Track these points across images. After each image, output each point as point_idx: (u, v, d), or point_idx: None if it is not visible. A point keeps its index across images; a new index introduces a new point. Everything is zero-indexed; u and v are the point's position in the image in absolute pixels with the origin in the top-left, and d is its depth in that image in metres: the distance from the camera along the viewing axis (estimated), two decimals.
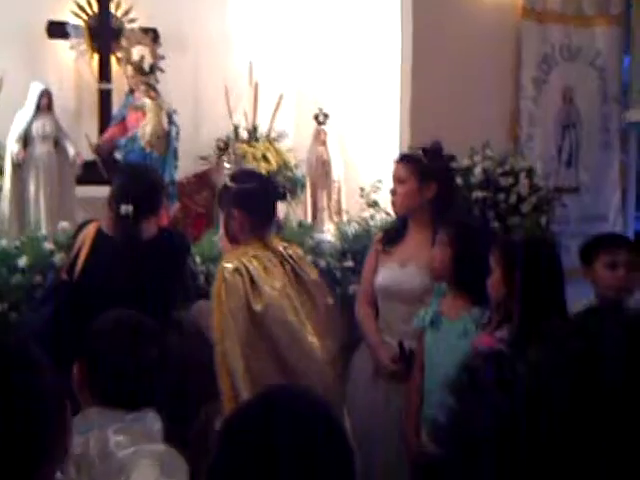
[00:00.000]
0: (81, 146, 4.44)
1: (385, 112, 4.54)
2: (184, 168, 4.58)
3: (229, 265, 2.71)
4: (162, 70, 4.52)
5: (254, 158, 4.58)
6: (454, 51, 4.34)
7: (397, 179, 3.21)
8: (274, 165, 4.62)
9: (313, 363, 2.73)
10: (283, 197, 3.09)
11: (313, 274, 2.89)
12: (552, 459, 0.92)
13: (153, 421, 2.00)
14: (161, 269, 3.04)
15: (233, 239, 2.85)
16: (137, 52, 4.55)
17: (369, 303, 3.26)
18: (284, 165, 4.68)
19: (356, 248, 3.94)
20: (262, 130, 4.85)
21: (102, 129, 4.68)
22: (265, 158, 4.62)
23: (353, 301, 3.36)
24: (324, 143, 4.67)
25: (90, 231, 3.10)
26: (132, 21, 4.76)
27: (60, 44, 4.75)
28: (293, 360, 2.70)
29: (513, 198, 4.02)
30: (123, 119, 4.51)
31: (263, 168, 4.51)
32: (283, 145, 4.85)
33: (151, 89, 4.39)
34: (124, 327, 2.07)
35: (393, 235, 3.29)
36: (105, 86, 4.77)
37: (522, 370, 0.95)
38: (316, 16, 5.05)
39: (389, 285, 3.15)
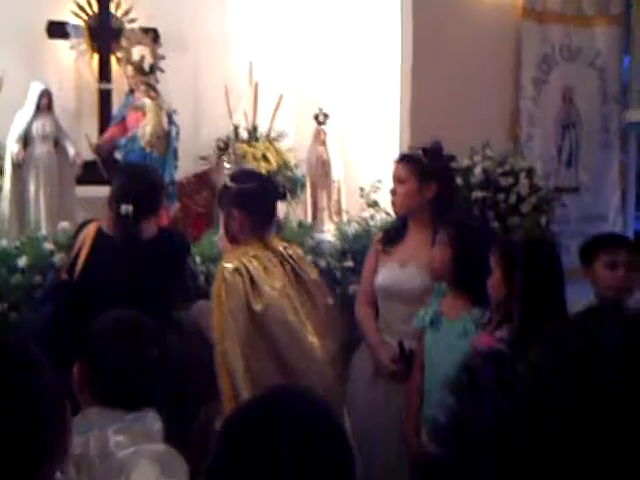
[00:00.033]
0: (81, 146, 4.44)
1: (385, 112, 4.54)
2: (184, 168, 4.58)
3: (229, 265, 2.71)
4: (162, 70, 4.52)
5: (254, 158, 4.58)
6: (454, 51, 4.34)
7: (397, 179, 3.21)
8: (274, 165, 4.62)
9: (313, 363, 2.73)
10: (283, 197, 3.09)
11: (313, 274, 2.89)
12: (552, 459, 0.92)
13: (153, 421, 2.00)
14: (161, 269, 3.04)
15: (233, 239, 2.85)
16: (137, 52, 4.55)
17: (369, 303, 3.26)
18: (284, 165, 4.68)
19: (356, 248, 3.94)
20: (262, 130, 4.85)
21: (102, 129, 4.68)
22: (265, 158, 4.62)
23: (353, 301, 3.36)
24: (324, 143, 4.67)
25: (90, 231, 3.10)
26: (132, 21, 4.76)
27: (60, 44, 4.75)
28: (293, 360, 2.70)
29: (513, 198, 4.02)
30: (123, 119, 4.51)
31: (263, 168, 4.51)
32: (283, 145, 4.85)
33: (151, 89, 4.39)
34: (124, 327, 2.07)
35: (393, 235, 3.28)
36: (105, 86, 4.77)
37: (522, 370, 0.95)
38: (316, 16, 5.05)
39: (389, 285, 3.15)
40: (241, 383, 2.62)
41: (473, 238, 2.91)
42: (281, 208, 3.80)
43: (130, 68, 4.47)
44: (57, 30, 4.71)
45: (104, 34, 4.79)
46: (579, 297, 2.95)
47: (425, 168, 3.16)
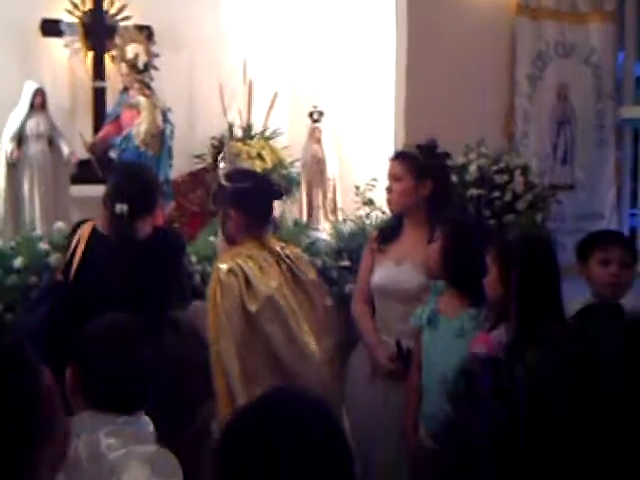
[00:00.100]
0: (75, 145, 4.44)
1: (380, 110, 4.54)
2: (178, 167, 4.58)
3: (224, 266, 2.71)
4: (156, 68, 4.52)
5: (249, 156, 4.57)
6: (449, 48, 4.34)
7: (393, 177, 3.20)
8: (269, 163, 4.61)
9: (309, 364, 2.72)
10: (280, 196, 3.08)
11: (311, 274, 2.88)
12: (550, 465, 0.92)
13: (146, 424, 2.01)
14: (156, 268, 3.03)
15: (230, 239, 2.84)
16: (131, 50, 4.54)
17: (365, 302, 3.25)
18: (279, 163, 4.67)
19: (352, 247, 3.93)
20: (257, 128, 4.84)
21: (96, 127, 4.67)
22: (260, 156, 4.62)
23: (349, 300, 3.36)
24: (319, 141, 4.67)
25: (85, 231, 3.09)
26: (126, 19, 4.75)
27: (54, 42, 4.74)
28: (289, 360, 2.70)
29: (508, 196, 4.01)
30: (117, 117, 4.50)
31: (258, 166, 4.50)
32: (278, 143, 4.85)
33: (145, 87, 4.39)
34: (116, 331, 2.06)
35: (388, 233, 3.28)
36: (99, 84, 4.76)
37: (520, 375, 0.95)
38: (310, 14, 5.05)
39: (385, 284, 3.15)
40: (236, 384, 2.62)
41: (467, 235, 2.91)
42: (276, 207, 3.79)
43: (124, 66, 4.47)
44: (51, 28, 4.70)
45: (98, 32, 4.78)
46: (575, 294, 2.95)
47: (421, 166, 3.16)
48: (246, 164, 4.49)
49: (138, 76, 4.41)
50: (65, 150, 4.34)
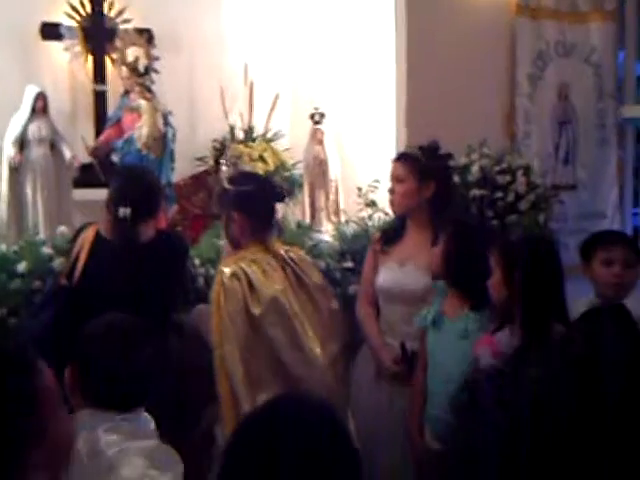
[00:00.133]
0: (77, 149, 4.44)
1: (381, 111, 4.54)
2: (180, 170, 4.57)
3: (227, 270, 2.71)
4: (157, 71, 4.51)
5: (251, 159, 4.58)
6: (449, 49, 4.34)
7: (396, 178, 3.19)
8: (271, 165, 4.61)
9: (313, 367, 2.72)
10: (282, 199, 3.08)
11: (315, 277, 2.88)
12: (552, 471, 0.93)
13: (146, 421, 2.03)
14: (160, 272, 3.03)
15: (234, 242, 2.85)
16: (132, 53, 4.54)
17: (370, 303, 3.25)
18: (281, 165, 4.67)
19: (355, 248, 3.93)
20: (258, 130, 4.84)
21: (98, 131, 4.67)
22: (262, 158, 4.62)
23: (353, 302, 3.35)
24: (321, 143, 4.67)
25: (88, 235, 3.09)
26: (126, 22, 4.75)
27: (54, 46, 4.73)
28: (293, 364, 2.69)
29: (511, 196, 4.02)
30: (119, 121, 4.49)
31: (260, 169, 4.51)
32: (280, 145, 4.85)
33: (146, 90, 4.38)
34: (115, 330, 2.08)
35: (391, 235, 3.27)
36: (100, 87, 4.76)
37: (522, 386, 0.96)
38: (311, 15, 5.05)
39: (391, 287, 3.14)
40: (240, 388, 2.62)
41: (470, 237, 2.90)
42: (279, 209, 3.79)
43: (125, 69, 4.46)
44: (51, 32, 4.69)
45: (98, 35, 4.78)
46: (579, 295, 2.95)
47: (424, 167, 3.15)
48: (248, 167, 4.49)
49: (139, 79, 4.41)
50: (67, 154, 4.34)
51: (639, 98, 5.11)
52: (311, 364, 2.72)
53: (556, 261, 2.56)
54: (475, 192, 3.99)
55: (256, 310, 2.67)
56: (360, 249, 3.76)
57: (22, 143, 4.23)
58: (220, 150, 4.71)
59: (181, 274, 3.30)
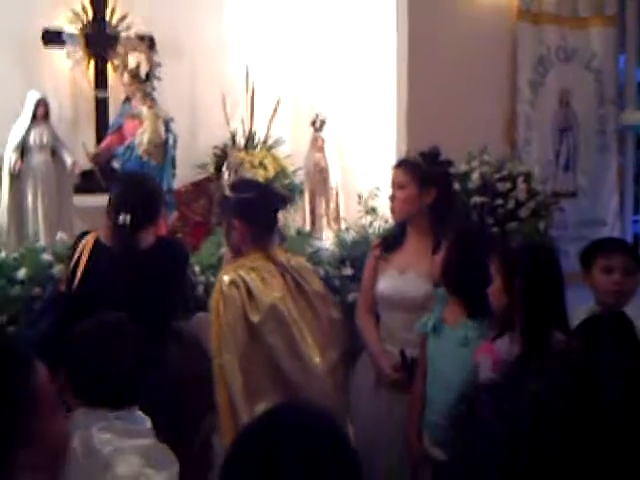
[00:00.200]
0: (78, 155, 4.44)
1: (382, 118, 4.54)
2: (181, 176, 4.58)
3: (226, 277, 2.72)
4: (158, 78, 4.52)
5: (252, 166, 4.58)
6: (450, 55, 4.35)
7: (397, 184, 3.19)
8: (272, 172, 4.61)
9: (312, 375, 2.72)
10: (283, 206, 3.08)
11: (316, 285, 2.88)
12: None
13: (141, 419, 2.05)
14: (159, 279, 3.03)
15: (235, 249, 2.85)
16: (133, 59, 4.55)
17: (369, 311, 3.24)
18: (282, 172, 4.67)
19: (355, 255, 3.92)
20: (259, 137, 4.84)
21: (99, 137, 4.68)
22: (263, 165, 4.62)
23: (353, 309, 3.35)
24: (321, 149, 4.67)
25: (88, 241, 3.09)
26: (128, 28, 4.76)
27: (56, 52, 4.74)
28: (291, 372, 2.69)
29: (511, 203, 4.02)
30: (120, 127, 4.51)
31: (261, 175, 4.51)
32: (280, 152, 4.85)
33: (148, 97, 4.40)
34: (104, 328, 2.12)
35: (392, 242, 3.27)
36: (101, 94, 4.77)
37: (520, 400, 0.96)
38: (312, 23, 5.05)
39: (391, 294, 3.14)
40: (238, 397, 2.62)
41: (471, 244, 2.90)
42: (279, 216, 3.80)
43: (126, 76, 4.48)
44: (52, 38, 4.70)
45: (100, 41, 4.79)
46: (579, 302, 2.94)
47: (424, 174, 3.14)
48: (249, 173, 4.49)
49: (140, 86, 4.42)
50: (68, 160, 4.34)
51: None
52: (310, 372, 2.72)
53: (556, 269, 2.55)
54: (475, 199, 3.99)
55: (255, 318, 2.67)
56: (360, 256, 3.75)
57: (23, 149, 4.24)
58: (221, 157, 4.71)
59: (181, 281, 3.29)
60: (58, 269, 3.39)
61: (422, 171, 3.15)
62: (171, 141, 4.34)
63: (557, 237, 4.24)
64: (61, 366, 2.03)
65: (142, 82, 4.44)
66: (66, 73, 4.79)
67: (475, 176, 4.03)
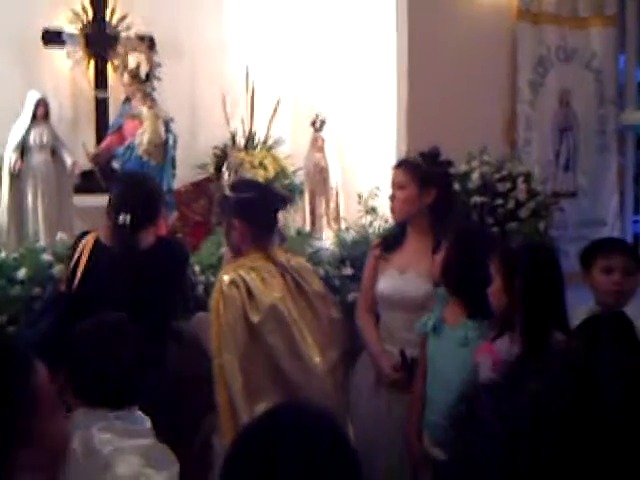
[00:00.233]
0: (78, 155, 4.44)
1: (382, 118, 4.54)
2: (181, 176, 4.58)
3: (226, 277, 2.72)
4: (158, 78, 4.52)
5: (251, 166, 4.58)
6: (450, 55, 4.35)
7: (397, 185, 3.19)
8: (272, 172, 4.62)
9: (311, 375, 2.72)
10: (283, 206, 3.08)
11: (316, 285, 2.89)
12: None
13: (142, 419, 2.06)
14: (159, 278, 3.03)
15: (235, 249, 2.85)
16: (133, 60, 4.55)
17: (369, 310, 3.25)
18: (282, 172, 4.67)
19: (355, 255, 3.92)
20: (259, 137, 4.84)
21: (99, 137, 4.68)
22: (262, 165, 4.62)
23: (353, 309, 3.35)
24: (321, 150, 4.67)
25: (88, 241, 3.09)
26: (128, 28, 4.76)
27: (56, 52, 4.74)
28: (291, 372, 2.70)
29: (511, 203, 4.02)
30: (120, 127, 4.51)
31: (261, 176, 4.51)
32: (280, 152, 4.85)
33: (148, 97, 4.40)
34: (103, 328, 2.13)
35: (392, 242, 3.27)
36: (101, 94, 4.77)
37: (520, 400, 0.96)
38: (312, 23, 5.05)
39: (391, 294, 3.14)
40: (238, 398, 2.62)
41: (471, 244, 2.90)
42: (279, 216, 3.80)
43: (126, 76, 4.48)
44: (53, 38, 4.70)
45: (100, 42, 4.79)
46: (579, 302, 2.95)
47: (425, 174, 3.15)
48: (249, 173, 4.49)
49: (140, 86, 4.42)
50: (68, 160, 4.34)
51: None
52: (310, 371, 2.72)
53: (556, 269, 2.56)
54: (475, 199, 3.99)
55: (255, 318, 2.67)
56: (360, 256, 3.75)
57: (23, 149, 4.24)
58: (221, 157, 4.71)
59: (181, 281, 3.30)
60: (58, 269, 3.39)
61: (422, 171, 3.15)
62: (171, 141, 4.34)
63: (557, 237, 4.24)
64: (61, 366, 2.03)
65: (142, 82, 4.44)
66: (66, 73, 4.79)
67: (475, 176, 4.03)
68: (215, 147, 4.81)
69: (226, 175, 4.50)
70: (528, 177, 4.13)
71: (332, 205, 4.64)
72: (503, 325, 2.59)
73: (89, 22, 4.78)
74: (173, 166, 4.38)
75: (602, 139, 4.88)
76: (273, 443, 1.29)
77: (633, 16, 5.07)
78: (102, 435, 1.93)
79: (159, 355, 3.03)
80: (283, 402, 1.81)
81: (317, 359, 2.74)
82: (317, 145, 4.67)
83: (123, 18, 4.78)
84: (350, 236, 4.19)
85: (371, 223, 4.18)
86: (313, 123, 4.66)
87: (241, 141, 4.78)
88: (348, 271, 3.87)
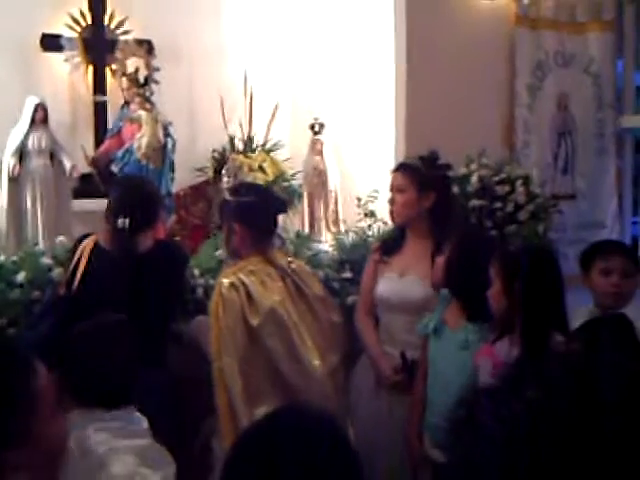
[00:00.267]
0: (77, 159, 4.44)
1: (380, 121, 4.55)
2: (180, 180, 4.58)
3: (226, 280, 2.72)
4: (157, 82, 4.53)
5: (250, 169, 4.58)
6: (448, 59, 4.35)
7: (396, 188, 3.19)
8: (270, 176, 4.62)
9: (311, 378, 2.72)
10: (284, 210, 3.09)
11: (316, 288, 2.88)
12: None
13: (138, 419, 2.07)
14: (158, 281, 3.04)
15: (235, 253, 2.85)
16: (132, 64, 4.55)
17: (368, 313, 3.25)
18: (281, 175, 4.67)
19: (354, 258, 3.93)
20: (258, 141, 4.85)
21: (98, 142, 4.68)
22: (261, 169, 4.62)
23: (352, 311, 3.35)
24: (320, 153, 4.68)
25: (87, 245, 3.09)
26: (126, 33, 4.76)
27: (54, 57, 4.74)
28: (290, 375, 2.69)
29: (510, 206, 4.02)
30: (119, 131, 4.51)
31: (260, 179, 4.51)
32: (279, 155, 4.85)
33: (146, 101, 4.40)
34: (100, 330, 2.16)
35: (391, 245, 3.27)
36: (100, 98, 4.77)
37: (518, 404, 0.96)
38: (311, 26, 5.06)
39: (390, 296, 3.14)
40: (238, 401, 2.62)
41: (474, 247, 2.90)
42: (279, 219, 3.80)
43: (125, 80, 4.48)
44: (51, 43, 4.70)
45: (98, 46, 4.79)
46: (578, 305, 2.95)
47: (424, 177, 3.15)
48: (248, 177, 4.50)
49: (139, 90, 4.42)
50: (67, 164, 4.34)
51: (638, 108, 5.12)
52: (309, 375, 2.72)
53: (556, 271, 2.56)
54: (474, 202, 3.99)
55: (254, 321, 2.67)
56: (359, 259, 3.76)
57: (22, 154, 4.24)
58: (220, 160, 4.72)
59: (180, 284, 3.30)
60: (57, 272, 3.38)
61: (421, 175, 3.16)
62: (170, 145, 4.34)
63: (556, 240, 4.24)
64: (58, 367, 2.03)
65: (141, 86, 4.44)
66: (65, 78, 4.79)
67: (474, 179, 4.04)
68: (214, 150, 4.81)
69: (225, 178, 4.50)
70: (527, 180, 4.13)
71: (331, 208, 4.64)
72: (503, 328, 2.59)
73: (88, 27, 4.78)
74: (172, 170, 4.38)
75: (600, 142, 4.89)
76: (274, 446, 1.29)
77: (631, 21, 5.08)
78: (98, 435, 1.95)
79: (159, 357, 3.03)
80: (283, 405, 1.81)
81: (316, 362, 2.74)
82: (316, 148, 4.68)
83: (122, 23, 4.78)
84: (349, 239, 4.19)
85: (370, 226, 4.18)
86: (312, 126, 4.67)
87: (240, 144, 4.78)
88: (347, 274, 3.87)
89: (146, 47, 4.65)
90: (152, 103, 4.40)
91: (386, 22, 4.47)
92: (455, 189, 3.83)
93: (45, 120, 4.31)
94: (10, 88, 4.46)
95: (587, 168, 4.84)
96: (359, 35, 4.79)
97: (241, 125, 4.82)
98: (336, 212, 4.66)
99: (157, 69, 4.54)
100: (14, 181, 4.22)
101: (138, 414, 2.08)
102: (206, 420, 2.87)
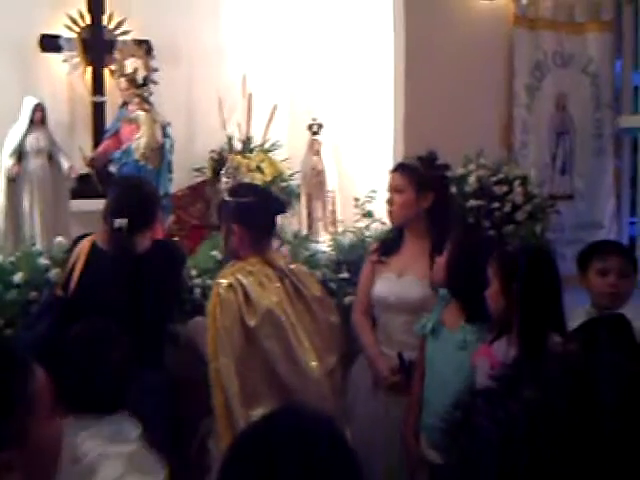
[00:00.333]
0: (75, 159, 4.44)
1: (379, 122, 4.55)
2: (178, 180, 4.58)
3: (223, 281, 2.71)
4: (155, 82, 4.53)
5: (248, 169, 4.58)
6: (447, 60, 4.35)
7: (394, 188, 3.19)
8: (269, 176, 4.62)
9: (308, 379, 2.71)
10: (282, 211, 3.08)
11: (315, 290, 2.88)
12: None
13: (129, 424, 2.06)
14: (156, 282, 3.03)
15: (233, 254, 2.85)
16: (130, 64, 4.55)
17: (365, 313, 3.25)
18: (279, 176, 4.68)
19: (351, 259, 3.92)
20: (256, 141, 4.85)
21: (96, 142, 4.68)
22: (259, 169, 4.62)
23: (349, 312, 3.35)
24: (318, 153, 4.68)
25: (85, 245, 3.09)
26: (125, 33, 4.77)
27: (53, 57, 4.75)
28: (287, 376, 2.69)
29: (508, 206, 4.02)
30: (117, 132, 4.51)
31: (258, 179, 4.51)
32: (277, 155, 4.85)
33: (144, 101, 4.40)
34: (91, 335, 2.16)
35: (389, 245, 3.27)
36: (98, 99, 4.77)
37: (515, 406, 0.95)
38: (309, 27, 5.07)
39: (387, 296, 3.14)
40: (234, 402, 2.61)
41: (474, 248, 2.90)
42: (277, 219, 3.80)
43: (123, 81, 4.48)
44: (50, 44, 4.71)
45: (97, 47, 4.80)
46: (576, 305, 2.95)
47: (422, 178, 3.15)
48: (246, 177, 4.50)
49: (137, 90, 4.42)
50: (65, 165, 4.35)
51: (636, 108, 5.12)
52: (306, 376, 2.71)
53: (554, 271, 2.56)
54: (472, 203, 3.99)
55: (251, 322, 2.67)
56: (357, 259, 3.75)
57: (20, 154, 4.24)
58: (218, 161, 4.72)
59: (177, 284, 3.29)
60: (54, 273, 3.38)
61: (419, 175, 3.15)
62: (168, 145, 4.34)
63: (554, 240, 4.24)
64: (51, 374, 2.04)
65: (139, 87, 4.44)
66: (63, 78, 4.80)
67: (472, 179, 4.03)
68: (212, 151, 4.81)
69: (224, 179, 4.50)
70: (525, 180, 4.13)
71: (329, 208, 4.64)
72: (501, 328, 2.59)
73: (86, 27, 4.80)
74: (170, 170, 4.38)
75: (598, 142, 4.89)
76: (271, 447, 1.28)
77: (629, 21, 5.08)
78: (89, 441, 1.94)
79: (156, 358, 3.03)
80: (281, 406, 1.80)
81: (313, 364, 2.74)
82: (314, 149, 4.68)
83: (120, 23, 4.79)
84: (347, 239, 4.19)
85: (368, 226, 4.18)
86: (310, 127, 4.67)
87: (238, 145, 4.78)
88: (345, 274, 3.87)
89: (145, 48, 4.66)
90: (150, 103, 4.40)
91: (385, 22, 4.47)
92: (453, 189, 3.83)
93: (43, 120, 4.32)
94: (9, 88, 4.47)
95: (585, 168, 4.84)
96: (358, 35, 4.79)
97: (239, 125, 4.82)
98: (334, 212, 4.66)
99: (156, 70, 4.54)
100: (12, 181, 4.22)
101: (130, 419, 2.07)
102: (203, 421, 2.86)
